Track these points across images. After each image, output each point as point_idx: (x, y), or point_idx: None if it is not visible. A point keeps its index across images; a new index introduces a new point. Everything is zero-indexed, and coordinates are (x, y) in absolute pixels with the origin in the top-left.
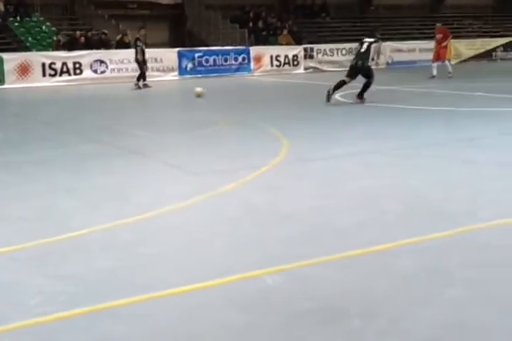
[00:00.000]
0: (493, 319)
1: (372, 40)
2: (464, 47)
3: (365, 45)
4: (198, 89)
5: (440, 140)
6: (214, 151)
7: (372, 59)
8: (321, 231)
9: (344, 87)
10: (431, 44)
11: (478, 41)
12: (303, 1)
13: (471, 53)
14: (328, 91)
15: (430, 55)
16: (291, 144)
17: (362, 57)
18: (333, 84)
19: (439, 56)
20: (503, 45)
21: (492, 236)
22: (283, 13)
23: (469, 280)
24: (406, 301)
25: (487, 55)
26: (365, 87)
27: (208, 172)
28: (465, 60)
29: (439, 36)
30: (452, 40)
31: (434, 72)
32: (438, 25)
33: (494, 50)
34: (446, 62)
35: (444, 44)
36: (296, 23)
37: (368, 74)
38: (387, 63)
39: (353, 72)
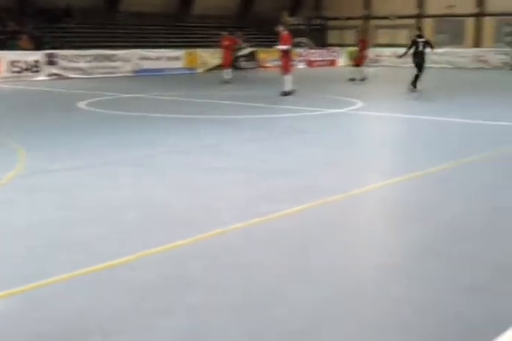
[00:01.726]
0: (232, 321)
1: (424, 39)
2: (210, 57)
3: (421, 44)
4: None
5: (184, 147)
6: None
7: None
8: (57, 247)
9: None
10: (178, 52)
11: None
12: (44, 5)
13: (217, 62)
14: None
15: (177, 63)
16: (31, 156)
17: (422, 53)
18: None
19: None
20: (245, 55)
21: (232, 239)
22: (22, 16)
23: (210, 285)
24: (147, 313)
25: None
26: (417, 76)
27: None
28: (211, 69)
29: (226, 43)
30: (199, 50)
31: (228, 76)
32: (225, 33)
33: (237, 59)
34: (228, 69)
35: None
36: (37, 28)
37: (422, 67)
38: (135, 71)
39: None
